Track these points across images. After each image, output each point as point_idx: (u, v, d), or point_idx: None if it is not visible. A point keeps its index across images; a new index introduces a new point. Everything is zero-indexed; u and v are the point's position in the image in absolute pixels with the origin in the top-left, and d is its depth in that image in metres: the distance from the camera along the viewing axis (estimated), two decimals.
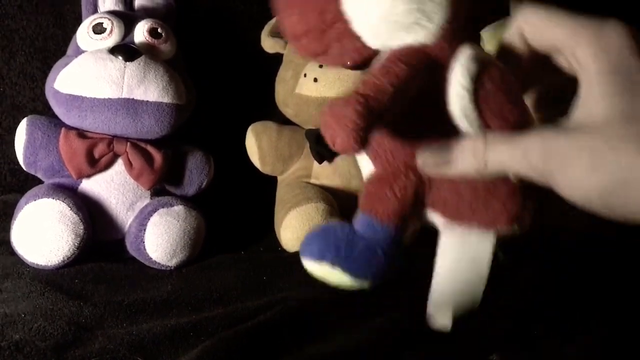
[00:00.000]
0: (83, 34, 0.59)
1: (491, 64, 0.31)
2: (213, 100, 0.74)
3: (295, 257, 0.57)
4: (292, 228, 0.59)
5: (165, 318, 0.46)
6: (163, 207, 0.57)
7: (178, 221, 0.56)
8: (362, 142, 0.28)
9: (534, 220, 0.33)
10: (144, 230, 0.55)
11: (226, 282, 0.53)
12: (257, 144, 0.67)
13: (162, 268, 0.56)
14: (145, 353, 0.40)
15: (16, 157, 0.58)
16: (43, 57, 0.70)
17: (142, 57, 0.56)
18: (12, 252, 0.54)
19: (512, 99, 0.31)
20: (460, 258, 0.33)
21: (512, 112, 0.30)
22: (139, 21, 0.60)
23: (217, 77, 0.76)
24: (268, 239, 0.63)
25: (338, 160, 0.65)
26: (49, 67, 0.60)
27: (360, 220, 0.34)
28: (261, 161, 0.68)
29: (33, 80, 0.70)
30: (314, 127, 0.66)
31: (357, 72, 0.36)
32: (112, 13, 0.60)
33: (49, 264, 0.52)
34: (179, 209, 0.57)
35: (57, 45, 0.70)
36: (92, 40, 0.58)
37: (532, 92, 0.34)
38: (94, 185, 0.57)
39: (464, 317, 0.34)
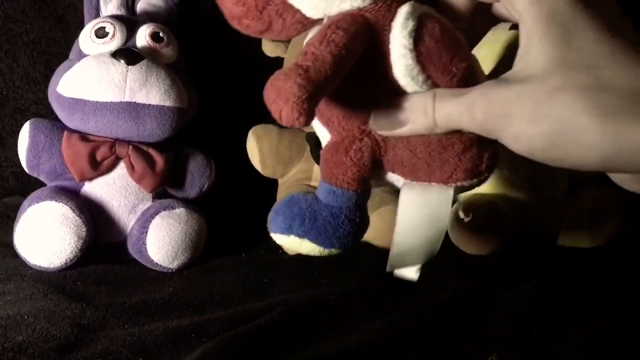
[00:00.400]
0: (85, 38, 0.59)
1: (431, 18, 0.31)
2: (214, 104, 0.74)
3: (295, 259, 0.58)
4: None
5: (167, 320, 0.46)
6: (165, 210, 0.57)
7: (179, 224, 0.56)
8: (308, 114, 0.28)
9: (491, 172, 0.33)
10: (146, 232, 0.55)
11: (227, 284, 0.53)
12: (258, 147, 0.67)
13: (164, 270, 0.56)
14: (146, 354, 0.40)
15: (19, 160, 0.59)
16: (46, 60, 0.70)
17: (144, 61, 0.56)
18: (15, 255, 0.54)
19: (455, 51, 0.30)
20: (420, 214, 0.33)
21: (458, 66, 0.30)
22: (141, 25, 0.60)
23: (218, 81, 0.77)
24: (269, 241, 0.62)
25: None
26: (52, 71, 0.60)
27: (321, 189, 0.34)
28: (262, 164, 0.68)
29: (36, 84, 0.70)
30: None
31: None
32: (115, 17, 0.61)
33: (52, 266, 0.53)
34: (180, 211, 0.57)
35: (59, 49, 0.70)
36: (94, 44, 0.58)
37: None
38: (96, 188, 0.57)
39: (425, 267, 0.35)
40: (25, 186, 0.68)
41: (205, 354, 0.39)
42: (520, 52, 0.27)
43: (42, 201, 0.53)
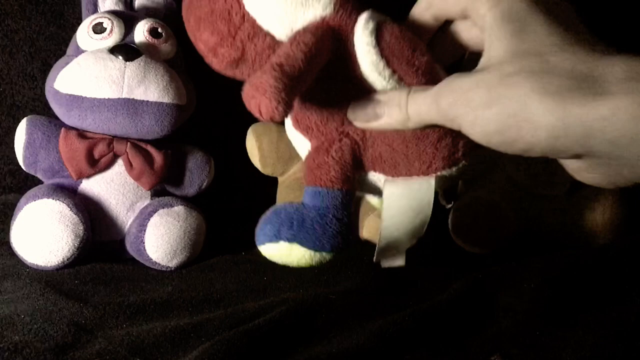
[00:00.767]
0: (83, 34, 0.59)
1: (389, 22, 0.33)
2: (213, 101, 0.73)
3: None
4: None
5: (165, 319, 0.46)
6: (163, 208, 0.56)
7: (178, 222, 0.56)
8: (286, 103, 0.30)
9: (467, 159, 0.33)
10: (144, 230, 0.55)
11: (226, 283, 0.53)
12: (257, 145, 0.67)
13: (162, 269, 0.56)
14: (145, 354, 0.40)
15: (16, 158, 0.58)
16: (43, 57, 0.70)
17: (142, 57, 0.56)
18: (12, 253, 0.54)
19: (416, 46, 0.32)
20: (404, 206, 0.34)
21: (420, 59, 0.32)
22: (139, 21, 0.60)
23: (217, 78, 0.76)
24: None
25: None
26: (49, 67, 0.60)
27: (306, 194, 0.35)
28: (261, 162, 0.67)
29: (33, 80, 0.70)
30: None
31: None
32: (112, 13, 0.60)
33: (49, 265, 0.52)
34: (179, 209, 0.57)
35: (57, 45, 0.70)
36: (92, 40, 0.58)
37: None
38: (94, 186, 0.57)
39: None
40: (22, 184, 0.68)
41: (204, 354, 0.39)
42: (484, 50, 0.29)
43: (39, 199, 0.53)
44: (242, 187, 0.71)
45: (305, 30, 0.33)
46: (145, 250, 0.55)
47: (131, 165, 0.57)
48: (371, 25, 0.32)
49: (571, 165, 0.29)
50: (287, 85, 0.30)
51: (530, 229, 0.66)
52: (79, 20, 0.62)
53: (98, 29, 0.58)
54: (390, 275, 0.51)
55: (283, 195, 0.65)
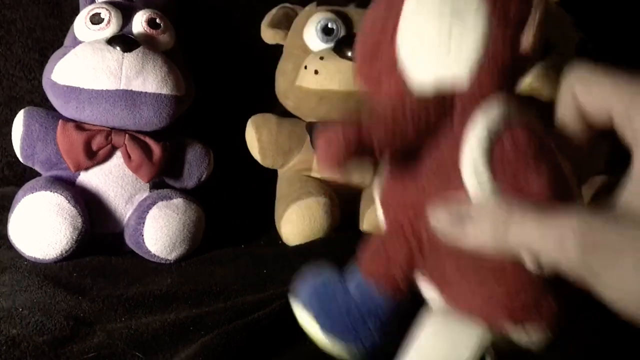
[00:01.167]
0: (80, 25, 0.58)
1: (523, 123, 0.27)
2: (212, 92, 0.73)
3: (295, 251, 0.57)
4: (293, 222, 0.59)
5: (165, 312, 0.45)
6: (162, 200, 0.56)
7: (177, 214, 0.55)
8: (341, 163, 0.26)
9: (553, 329, 0.27)
10: (143, 223, 0.55)
11: (226, 276, 0.52)
12: (257, 137, 0.66)
13: (162, 261, 0.55)
14: (144, 348, 0.40)
15: (13, 150, 0.58)
16: (40, 48, 0.69)
17: (141, 48, 0.55)
18: (10, 246, 0.53)
19: (536, 168, 0.26)
20: (438, 347, 0.28)
21: (533, 184, 0.26)
22: (137, 11, 0.59)
23: (216, 69, 0.76)
24: (268, 233, 0.63)
25: None
26: (47, 59, 0.59)
27: (352, 275, 0.32)
28: (261, 154, 0.67)
29: (30, 72, 0.69)
30: (314, 120, 0.66)
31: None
32: (110, 3, 0.59)
33: (47, 258, 0.52)
34: (178, 201, 0.56)
35: (54, 36, 0.69)
36: (89, 31, 0.57)
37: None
38: (92, 178, 0.57)
39: None
40: (20, 176, 0.67)
41: (204, 348, 0.38)
42: (632, 181, 0.23)
43: (36, 191, 0.52)
44: (242, 179, 0.71)
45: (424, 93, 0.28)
46: (144, 242, 0.54)
47: (129, 157, 0.56)
48: (495, 122, 0.26)
49: None
50: (354, 143, 0.26)
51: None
52: (76, 11, 0.61)
53: (95, 19, 0.58)
54: None
55: (283, 188, 0.65)
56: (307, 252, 0.56)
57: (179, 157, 0.60)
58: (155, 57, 0.56)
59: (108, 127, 0.56)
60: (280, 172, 0.68)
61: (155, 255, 0.55)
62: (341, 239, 0.58)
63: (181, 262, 0.56)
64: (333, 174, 0.27)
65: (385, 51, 0.30)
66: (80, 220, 0.52)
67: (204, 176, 0.62)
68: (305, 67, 0.63)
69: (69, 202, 0.52)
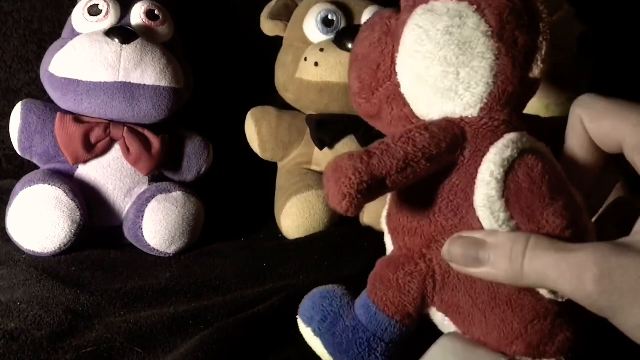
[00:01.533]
0: (78, 16, 0.57)
1: (537, 155, 0.26)
2: (212, 85, 0.73)
3: (295, 244, 0.57)
4: (293, 215, 0.59)
5: (164, 306, 0.45)
6: (161, 193, 0.56)
7: (177, 207, 0.55)
8: (352, 202, 0.26)
9: (568, 357, 0.27)
10: (142, 216, 0.54)
11: (226, 269, 0.52)
12: (256, 130, 0.66)
13: (161, 255, 0.55)
14: (143, 342, 0.40)
15: (11, 143, 0.57)
16: (38, 40, 0.69)
17: (139, 40, 0.55)
18: (8, 240, 0.53)
19: (551, 202, 0.25)
20: None
21: (549, 220, 0.25)
22: (136, 3, 0.59)
23: (216, 61, 0.75)
24: (268, 226, 0.63)
25: (339, 146, 0.64)
26: (44, 50, 0.58)
27: (360, 298, 0.31)
28: (261, 147, 0.67)
29: (28, 64, 0.69)
30: (314, 113, 0.65)
31: None
32: None
33: (45, 251, 0.52)
34: (177, 195, 0.56)
35: (52, 27, 0.69)
36: (87, 23, 0.57)
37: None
38: (91, 171, 0.56)
39: None
40: (18, 169, 0.67)
41: (203, 342, 0.38)
42: None
43: (34, 184, 0.52)
44: (241, 172, 0.70)
45: (430, 124, 0.28)
46: (143, 236, 0.54)
47: (128, 150, 0.56)
48: (508, 153, 0.26)
49: None
50: (365, 182, 0.25)
51: None
52: (74, 3, 0.61)
53: (93, 10, 0.57)
54: None
55: (283, 181, 0.64)
56: (307, 246, 0.56)
57: (178, 150, 0.60)
58: (154, 49, 0.56)
59: (106, 120, 0.56)
60: (280, 165, 0.68)
61: (154, 249, 0.55)
62: (341, 232, 0.58)
63: (180, 256, 0.56)
64: (343, 210, 0.26)
65: (384, 80, 0.30)
66: (78, 214, 0.52)
67: (203, 169, 0.62)
68: (305, 59, 0.63)
69: (67, 195, 0.52)
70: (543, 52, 0.28)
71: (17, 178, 0.57)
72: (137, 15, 0.58)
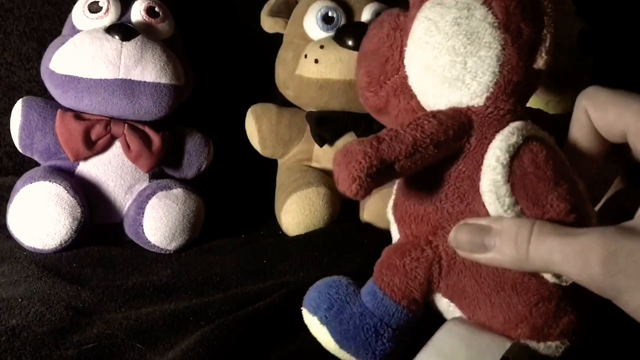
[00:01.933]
0: (78, 13, 0.57)
1: (541, 143, 0.27)
2: (212, 82, 0.73)
3: (295, 241, 0.57)
4: (293, 212, 0.59)
5: (164, 303, 0.45)
6: (162, 190, 0.56)
7: (177, 204, 0.55)
8: (362, 185, 0.26)
9: (572, 339, 0.27)
10: (143, 213, 0.54)
11: (226, 266, 0.52)
12: (256, 127, 0.66)
13: (161, 252, 0.55)
14: (143, 338, 0.40)
15: (12, 140, 0.57)
16: (38, 37, 0.69)
17: (139, 37, 0.55)
18: (9, 236, 0.53)
19: (555, 187, 0.26)
20: (461, 352, 0.28)
21: (553, 204, 0.26)
22: (136, 0, 0.59)
23: (216, 58, 0.75)
24: (268, 223, 0.63)
25: (339, 143, 0.64)
26: (45, 47, 0.58)
27: (366, 285, 0.32)
28: (261, 144, 0.67)
29: (28, 61, 0.69)
30: (314, 110, 0.65)
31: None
32: None
33: (46, 248, 0.52)
34: (177, 192, 0.56)
35: (52, 24, 0.69)
36: (87, 20, 0.57)
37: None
38: (92, 168, 0.56)
39: None
40: (19, 166, 0.67)
41: (203, 338, 0.38)
42: None
43: (35, 181, 0.52)
44: (242, 169, 0.70)
45: (439, 112, 0.28)
46: (143, 233, 0.54)
47: (129, 147, 0.56)
48: (513, 139, 0.27)
49: None
50: (376, 168, 0.26)
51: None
52: None
53: (94, 8, 0.57)
54: None
55: (283, 178, 0.65)
56: (307, 243, 0.56)
57: (179, 147, 0.60)
58: (154, 46, 0.56)
59: (107, 117, 0.56)
60: (280, 162, 0.68)
61: (154, 246, 0.55)
62: (341, 229, 0.58)
63: (181, 253, 0.56)
64: (353, 194, 0.26)
65: (392, 73, 0.31)
66: (79, 211, 0.52)
67: (204, 166, 0.62)
68: (306, 56, 0.63)
69: (68, 192, 0.52)
70: (547, 44, 0.29)
71: (17, 175, 0.57)
72: (137, 12, 0.58)
